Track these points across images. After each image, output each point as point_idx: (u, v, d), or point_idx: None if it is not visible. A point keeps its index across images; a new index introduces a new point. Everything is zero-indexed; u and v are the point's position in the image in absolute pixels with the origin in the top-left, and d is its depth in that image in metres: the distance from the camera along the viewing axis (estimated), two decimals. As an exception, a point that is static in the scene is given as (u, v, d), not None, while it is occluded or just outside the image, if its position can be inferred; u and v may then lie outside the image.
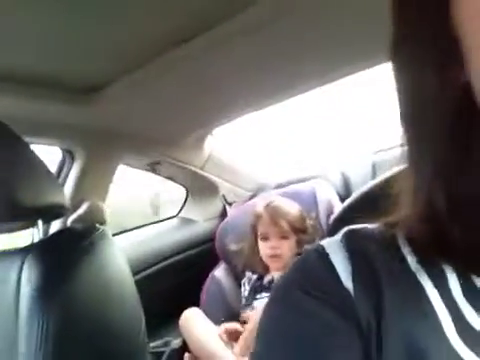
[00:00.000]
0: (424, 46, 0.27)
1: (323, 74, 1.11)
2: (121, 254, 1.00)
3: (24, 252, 0.85)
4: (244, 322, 1.33)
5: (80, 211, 1.20)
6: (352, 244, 0.34)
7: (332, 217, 1.36)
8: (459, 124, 0.27)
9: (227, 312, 1.47)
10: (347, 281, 0.31)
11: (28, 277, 0.81)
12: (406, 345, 0.28)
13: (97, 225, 1.08)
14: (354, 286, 0.31)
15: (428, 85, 0.28)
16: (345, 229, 0.37)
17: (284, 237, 1.41)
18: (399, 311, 0.29)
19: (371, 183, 0.61)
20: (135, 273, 1.37)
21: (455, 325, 0.28)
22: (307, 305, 0.31)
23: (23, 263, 0.82)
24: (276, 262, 1.41)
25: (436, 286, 0.30)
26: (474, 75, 0.25)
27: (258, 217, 1.46)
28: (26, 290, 0.80)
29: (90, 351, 0.80)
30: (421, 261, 0.32)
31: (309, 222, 1.45)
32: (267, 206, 1.46)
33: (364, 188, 0.61)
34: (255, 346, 0.32)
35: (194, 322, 1.35)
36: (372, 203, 0.56)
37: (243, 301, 1.47)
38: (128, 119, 1.24)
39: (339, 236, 0.36)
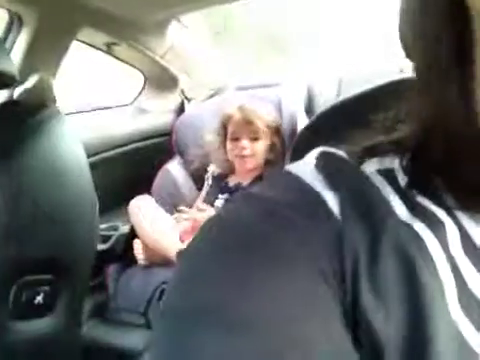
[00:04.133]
0: None
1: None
2: (74, 134, 0.95)
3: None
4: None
5: (28, 84, 1.10)
6: (329, 168, 0.29)
7: (296, 132, 1.38)
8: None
9: (179, 203, 1.49)
10: (331, 202, 0.27)
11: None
12: (407, 312, 0.23)
13: (47, 102, 1.01)
14: (341, 208, 0.26)
15: None
16: (317, 152, 0.31)
17: (256, 138, 1.38)
18: (400, 259, 0.24)
19: (342, 98, 0.58)
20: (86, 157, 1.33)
21: (458, 292, 0.24)
22: (285, 217, 0.25)
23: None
24: (245, 163, 1.39)
25: (437, 238, 0.25)
26: None
27: (230, 116, 1.42)
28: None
29: (39, 233, 0.79)
30: (411, 206, 0.27)
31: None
32: (240, 107, 1.41)
33: (332, 103, 0.57)
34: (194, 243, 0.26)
35: (145, 209, 1.36)
36: (342, 119, 0.56)
37: (201, 198, 1.48)
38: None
39: (312, 161, 0.30)
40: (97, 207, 0.93)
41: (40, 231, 0.78)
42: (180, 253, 1.21)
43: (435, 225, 0.26)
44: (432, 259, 0.25)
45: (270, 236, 0.24)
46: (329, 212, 0.26)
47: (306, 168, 0.30)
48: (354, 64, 1.63)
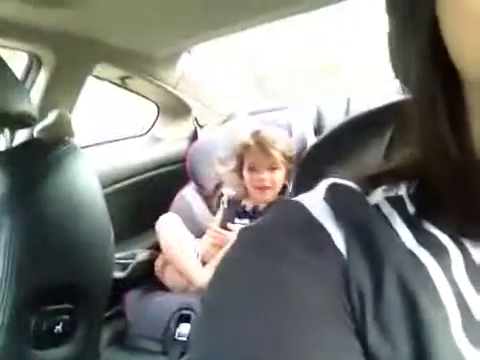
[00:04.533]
0: None
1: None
2: (90, 168, 0.99)
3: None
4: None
5: (47, 121, 1.15)
6: (337, 200, 0.30)
7: (304, 152, 1.37)
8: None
9: (195, 229, 1.52)
10: (336, 238, 0.27)
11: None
12: (412, 348, 0.23)
13: (65, 137, 1.05)
14: (346, 244, 0.26)
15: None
16: (327, 183, 0.32)
17: (274, 168, 1.35)
18: (403, 295, 0.24)
19: (346, 118, 0.58)
20: (102, 187, 1.37)
21: (462, 320, 0.24)
22: (295, 253, 0.26)
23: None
24: (264, 194, 1.38)
25: (440, 265, 0.26)
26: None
27: (246, 147, 1.39)
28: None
29: (58, 262, 0.82)
30: (417, 234, 0.27)
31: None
32: (255, 135, 1.38)
33: (338, 124, 0.58)
34: (210, 293, 0.27)
35: (171, 227, 1.39)
36: (346, 139, 0.57)
37: (217, 221, 1.48)
38: (102, 26, 1.16)
39: (321, 193, 0.31)
40: (112, 236, 0.96)
41: (58, 261, 0.81)
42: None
43: (439, 252, 0.26)
44: (435, 288, 0.25)
45: (280, 279, 0.25)
46: (335, 248, 0.26)
47: (315, 200, 0.30)
48: (362, 84, 1.64)
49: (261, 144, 1.35)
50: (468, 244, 0.26)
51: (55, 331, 0.77)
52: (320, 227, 0.28)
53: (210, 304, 0.26)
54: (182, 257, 1.31)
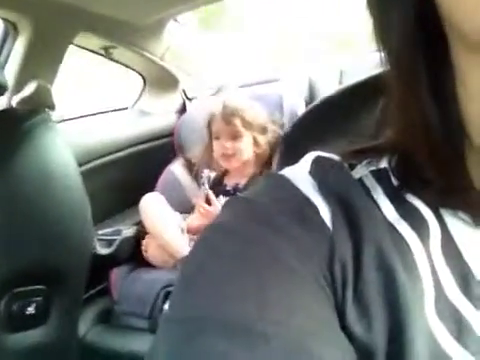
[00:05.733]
0: None
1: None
2: (63, 142, 0.94)
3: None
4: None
5: (24, 92, 1.11)
6: (322, 174, 0.29)
7: (292, 123, 1.36)
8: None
9: (183, 205, 1.50)
10: (323, 211, 0.27)
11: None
12: (388, 319, 0.23)
13: (41, 109, 1.01)
14: (332, 217, 0.26)
15: None
16: (312, 157, 0.31)
17: (236, 137, 1.38)
18: (381, 270, 0.24)
19: (336, 89, 0.56)
20: (85, 162, 1.33)
21: (435, 297, 0.24)
22: (281, 221, 0.26)
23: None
24: (229, 161, 1.40)
25: (419, 238, 0.26)
26: None
27: (212, 116, 1.42)
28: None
29: (29, 241, 0.78)
30: (398, 207, 0.27)
31: (271, 125, 1.42)
32: (222, 105, 1.41)
33: (327, 94, 0.55)
34: (195, 253, 0.26)
35: (156, 207, 1.37)
36: (334, 111, 0.55)
37: (202, 197, 1.46)
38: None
39: (306, 166, 0.31)
40: (90, 213, 0.92)
41: (30, 240, 0.77)
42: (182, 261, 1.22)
43: (420, 224, 0.26)
44: (414, 261, 0.25)
45: (266, 243, 0.25)
46: (322, 221, 0.26)
47: (301, 174, 0.30)
48: (355, 55, 1.60)
49: (223, 113, 1.38)
50: (448, 218, 0.27)
51: (27, 313, 0.75)
52: (306, 200, 0.28)
53: (196, 263, 0.25)
54: (165, 233, 1.31)
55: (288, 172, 0.31)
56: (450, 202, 0.27)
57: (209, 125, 1.45)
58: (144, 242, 1.36)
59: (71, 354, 0.84)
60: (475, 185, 0.26)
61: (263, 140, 1.39)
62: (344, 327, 0.24)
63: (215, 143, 1.42)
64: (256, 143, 1.39)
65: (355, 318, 0.23)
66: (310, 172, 0.30)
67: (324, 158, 0.31)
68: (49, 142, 0.86)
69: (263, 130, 1.40)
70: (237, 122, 1.35)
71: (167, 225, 1.34)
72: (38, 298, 0.77)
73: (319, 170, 0.30)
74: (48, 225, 0.80)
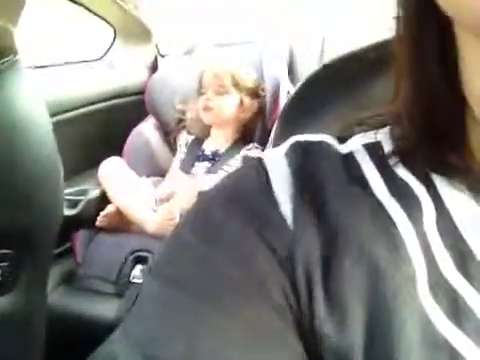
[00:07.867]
0: None
1: None
2: (35, 89, 0.86)
3: None
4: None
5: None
6: (298, 159, 0.28)
7: (279, 95, 1.32)
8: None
9: (153, 168, 1.44)
10: (285, 207, 0.26)
11: None
12: (367, 307, 0.23)
13: (7, 52, 0.91)
14: (294, 214, 0.26)
15: None
16: (292, 140, 0.31)
17: (222, 92, 1.34)
18: (361, 252, 0.24)
19: (327, 62, 0.53)
20: (51, 115, 1.24)
21: (428, 276, 0.24)
22: (232, 232, 0.26)
23: None
24: (209, 116, 1.36)
25: (410, 218, 0.25)
26: None
27: (202, 71, 1.39)
28: None
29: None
30: (390, 183, 0.27)
31: (261, 92, 1.39)
32: (215, 62, 1.39)
33: (317, 69, 0.53)
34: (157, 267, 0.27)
35: (116, 174, 1.29)
36: (328, 85, 0.52)
37: (178, 163, 1.43)
38: None
39: (284, 148, 0.30)
40: (61, 170, 0.85)
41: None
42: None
43: (411, 203, 0.26)
44: (403, 242, 0.24)
45: (212, 266, 0.25)
46: (281, 219, 0.26)
47: (277, 157, 0.29)
48: (336, 22, 1.55)
49: (214, 67, 1.36)
50: (445, 194, 0.26)
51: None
52: (270, 195, 0.27)
53: (145, 285, 0.27)
54: (131, 205, 1.24)
55: (267, 155, 0.30)
56: (449, 171, 0.26)
57: (199, 82, 1.40)
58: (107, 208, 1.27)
59: (40, 323, 0.80)
60: (476, 156, 0.25)
61: (249, 104, 1.36)
62: (312, 329, 0.23)
63: (200, 98, 1.37)
64: (242, 105, 1.36)
65: (325, 317, 0.23)
66: (286, 154, 0.29)
67: (304, 140, 0.30)
68: (18, 89, 0.78)
69: (252, 94, 1.37)
70: (226, 77, 1.33)
71: (134, 197, 1.26)
72: (4, 263, 0.71)
73: (294, 153, 0.29)
74: (16, 184, 0.73)
